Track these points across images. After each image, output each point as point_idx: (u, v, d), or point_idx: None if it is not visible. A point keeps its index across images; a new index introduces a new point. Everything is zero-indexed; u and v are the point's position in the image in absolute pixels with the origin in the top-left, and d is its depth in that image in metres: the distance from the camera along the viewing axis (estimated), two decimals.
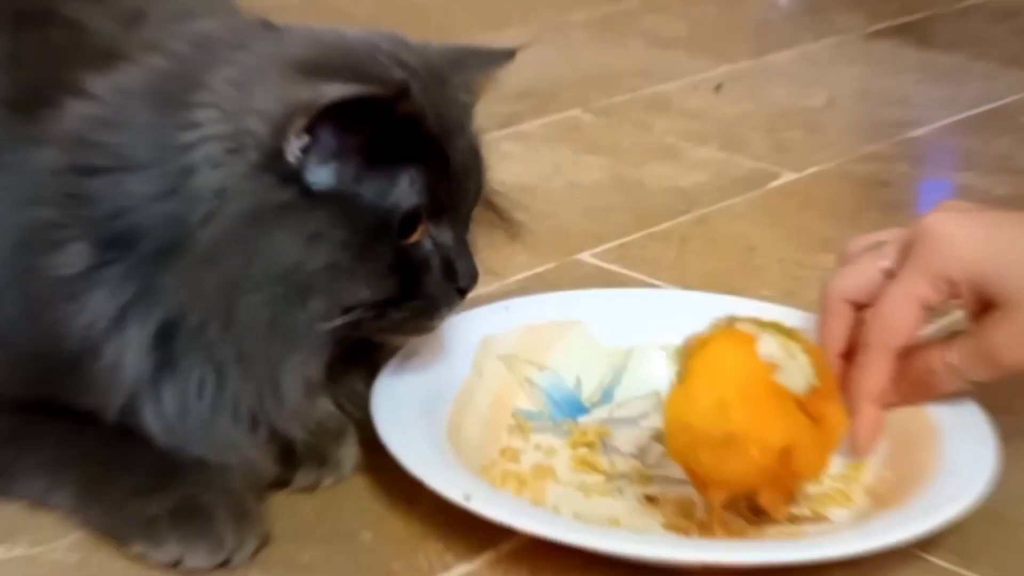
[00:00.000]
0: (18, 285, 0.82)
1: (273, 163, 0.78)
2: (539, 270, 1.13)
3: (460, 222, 0.86)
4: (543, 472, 0.87)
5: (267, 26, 0.86)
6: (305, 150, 0.78)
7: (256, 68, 0.80)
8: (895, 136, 1.45)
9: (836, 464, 0.88)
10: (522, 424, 0.91)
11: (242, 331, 0.78)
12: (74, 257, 0.79)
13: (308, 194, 0.78)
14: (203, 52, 0.83)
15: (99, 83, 0.84)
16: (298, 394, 0.82)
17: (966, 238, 0.87)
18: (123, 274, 0.79)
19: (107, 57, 0.94)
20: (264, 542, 0.80)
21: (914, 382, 0.89)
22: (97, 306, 0.79)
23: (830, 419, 0.83)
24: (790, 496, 0.84)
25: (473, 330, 0.94)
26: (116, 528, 0.80)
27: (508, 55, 0.89)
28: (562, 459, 0.89)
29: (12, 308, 0.82)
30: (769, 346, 0.81)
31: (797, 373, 0.81)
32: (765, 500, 0.82)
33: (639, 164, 1.35)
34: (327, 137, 0.78)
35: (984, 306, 0.87)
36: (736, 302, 0.97)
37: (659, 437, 0.89)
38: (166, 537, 0.78)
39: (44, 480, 0.82)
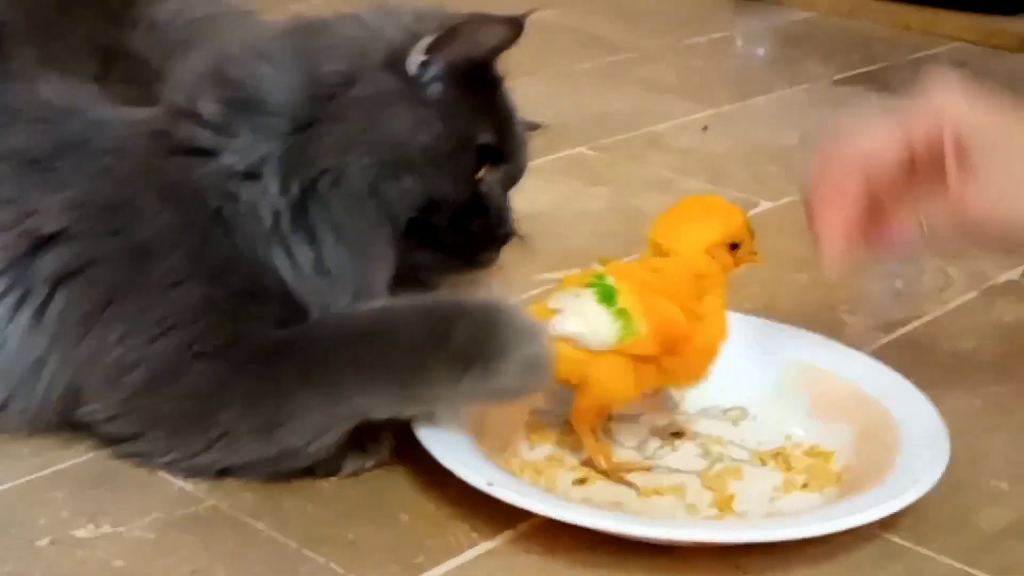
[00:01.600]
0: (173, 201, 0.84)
1: (396, 65, 0.84)
2: (551, 285, 1.13)
3: (509, 184, 0.90)
4: (555, 462, 0.88)
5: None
6: (423, 65, 0.84)
7: (396, 3, 0.88)
8: None
9: (806, 454, 0.89)
10: (537, 421, 0.92)
11: (346, 189, 0.83)
12: (208, 108, 0.84)
13: (417, 94, 0.84)
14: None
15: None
16: (383, 280, 0.85)
17: (959, 97, 0.82)
18: (252, 130, 0.83)
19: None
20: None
21: (879, 237, 0.84)
22: (232, 154, 0.84)
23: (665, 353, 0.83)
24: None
25: None
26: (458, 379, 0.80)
27: (518, 25, 0.87)
28: (571, 451, 0.89)
29: (164, 213, 0.84)
30: (556, 322, 0.83)
31: (594, 336, 0.82)
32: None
33: (637, 194, 1.36)
34: (439, 64, 0.84)
35: (964, 172, 0.80)
36: None
37: (656, 432, 0.90)
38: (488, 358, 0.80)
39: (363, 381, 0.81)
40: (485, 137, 0.86)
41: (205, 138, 0.85)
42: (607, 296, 0.83)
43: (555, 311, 0.84)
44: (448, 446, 0.82)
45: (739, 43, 2.04)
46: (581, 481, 0.86)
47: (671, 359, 0.84)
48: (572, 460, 0.88)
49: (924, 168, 0.83)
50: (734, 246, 0.88)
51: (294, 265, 0.84)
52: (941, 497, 0.83)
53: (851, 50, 1.90)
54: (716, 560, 0.79)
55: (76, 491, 0.83)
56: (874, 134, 0.82)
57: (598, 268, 0.86)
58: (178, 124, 0.86)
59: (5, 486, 0.84)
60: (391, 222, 0.85)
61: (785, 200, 1.36)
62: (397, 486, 0.85)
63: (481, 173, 0.87)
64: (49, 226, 0.84)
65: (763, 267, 1.19)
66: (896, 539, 0.82)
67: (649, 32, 1.97)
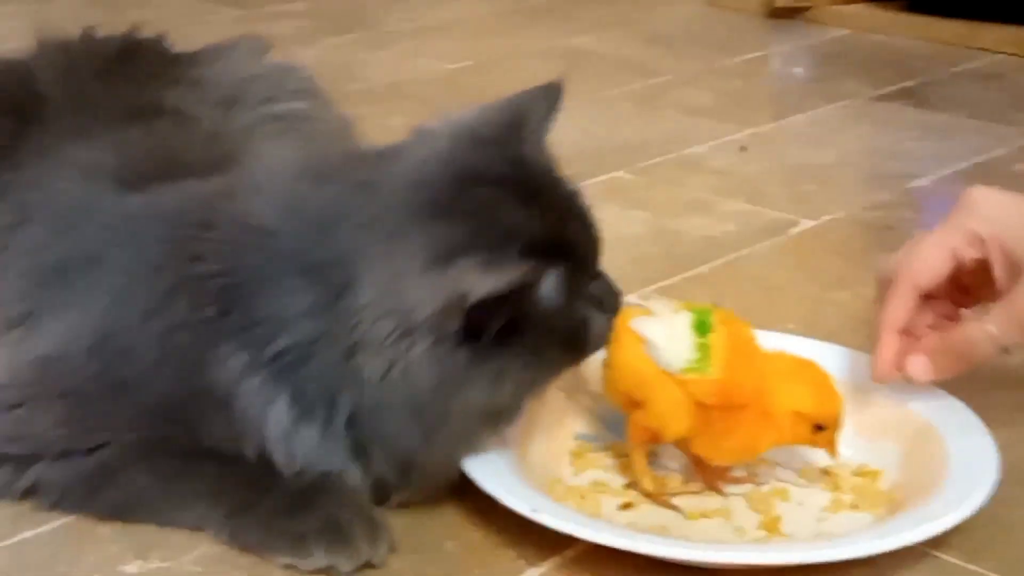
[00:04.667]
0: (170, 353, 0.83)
1: (440, 338, 0.77)
2: None
3: (593, 269, 0.84)
4: (600, 487, 0.87)
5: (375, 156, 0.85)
6: (463, 328, 0.77)
7: (400, 262, 0.77)
8: (898, 187, 1.44)
9: (855, 474, 0.88)
10: (582, 446, 0.91)
11: (437, 448, 0.81)
12: (235, 364, 0.81)
13: (475, 349, 0.78)
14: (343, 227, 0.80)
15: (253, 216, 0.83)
16: (460, 461, 0.83)
17: (1000, 204, 0.87)
18: (284, 375, 0.80)
19: (211, 139, 0.96)
20: (392, 547, 0.81)
21: (953, 354, 0.87)
22: (253, 390, 0.81)
23: (715, 409, 0.82)
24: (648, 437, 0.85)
25: None
26: (267, 543, 0.81)
27: (557, 91, 0.86)
28: (615, 476, 0.89)
29: (159, 364, 0.83)
30: (640, 323, 0.83)
31: (667, 352, 0.82)
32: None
33: (675, 217, 1.36)
34: (476, 320, 0.77)
35: (1015, 274, 0.85)
36: (762, 334, 0.96)
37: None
38: (312, 550, 0.79)
39: (200, 507, 0.83)
40: (560, 299, 0.79)
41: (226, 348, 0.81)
42: (701, 327, 0.83)
43: (647, 312, 0.84)
44: (493, 474, 0.82)
45: (775, 63, 2.03)
46: (627, 506, 0.86)
47: (716, 424, 0.83)
48: (617, 485, 0.88)
49: (975, 277, 0.89)
50: (819, 427, 0.85)
51: (304, 452, 0.82)
52: (991, 514, 0.81)
53: (888, 66, 1.89)
54: None
55: (123, 527, 0.84)
56: (923, 254, 0.88)
57: (708, 304, 0.86)
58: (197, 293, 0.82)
59: (53, 524, 0.84)
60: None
61: (825, 218, 1.35)
62: (443, 515, 0.85)
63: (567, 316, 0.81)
64: (45, 349, 0.86)
65: (805, 286, 1.20)
66: (947, 557, 0.81)
67: (684, 55, 1.97)
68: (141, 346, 0.83)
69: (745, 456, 0.87)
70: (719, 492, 0.87)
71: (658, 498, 0.85)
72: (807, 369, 0.85)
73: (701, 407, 0.82)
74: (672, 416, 0.83)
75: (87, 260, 0.88)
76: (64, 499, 0.85)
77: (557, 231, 0.81)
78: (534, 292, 0.78)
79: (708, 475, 0.88)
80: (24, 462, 0.85)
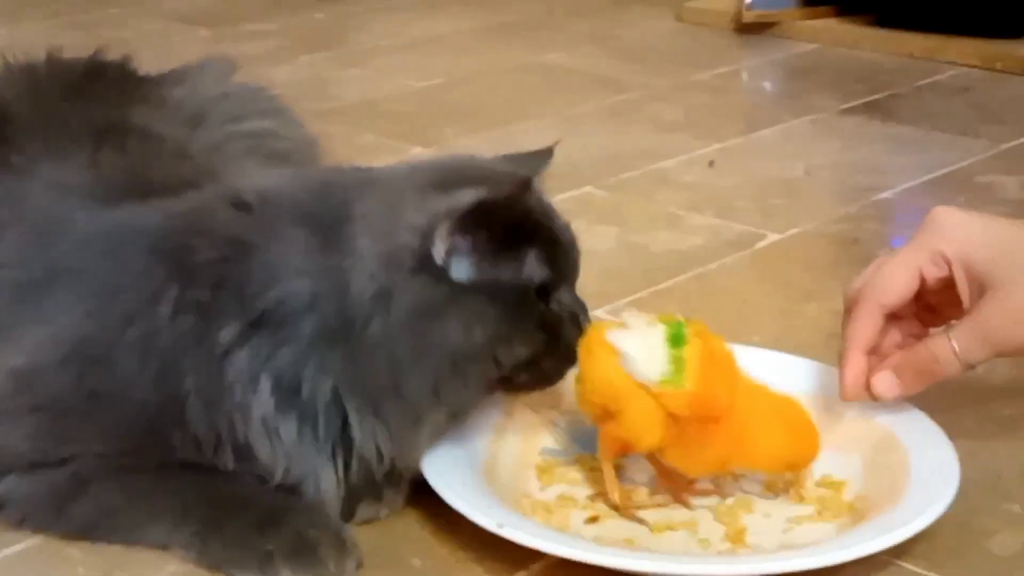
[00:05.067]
0: (152, 347, 0.83)
1: (425, 266, 0.81)
2: None
3: (572, 283, 0.88)
4: (566, 502, 0.88)
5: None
6: (449, 252, 0.81)
7: (397, 192, 0.84)
8: (865, 199, 1.45)
9: (818, 485, 0.89)
10: (548, 460, 0.92)
11: (405, 400, 0.81)
12: (226, 334, 0.82)
13: (458, 287, 0.81)
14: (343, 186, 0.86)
15: (248, 193, 0.86)
16: (430, 442, 0.85)
17: (963, 224, 0.88)
18: (270, 346, 0.81)
19: (178, 157, 0.96)
20: (360, 564, 0.81)
21: (918, 371, 0.88)
22: (240, 367, 0.82)
23: (689, 421, 0.82)
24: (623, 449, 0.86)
25: None
26: (234, 561, 0.81)
27: (549, 153, 0.92)
28: (582, 490, 0.89)
29: (138, 371, 0.83)
30: (616, 336, 0.84)
31: (643, 364, 0.83)
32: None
33: (644, 231, 1.36)
34: (464, 238, 0.81)
35: (979, 293, 0.86)
36: (731, 347, 0.97)
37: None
38: (280, 569, 0.80)
39: (168, 524, 0.83)
40: (540, 275, 0.84)
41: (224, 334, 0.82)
42: (676, 339, 0.84)
43: (622, 325, 0.85)
44: (459, 489, 0.83)
45: (744, 78, 2.04)
46: (593, 519, 0.86)
47: (690, 436, 0.83)
48: (583, 499, 0.88)
49: (941, 296, 0.90)
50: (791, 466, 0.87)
51: (285, 443, 0.83)
52: (954, 522, 0.82)
53: (856, 80, 1.91)
54: None
55: (92, 548, 0.84)
56: (888, 274, 0.89)
57: (681, 318, 0.86)
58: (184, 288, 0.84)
59: (20, 546, 0.84)
60: (456, 405, 0.85)
61: (792, 231, 1.36)
62: (409, 531, 0.85)
63: (544, 307, 0.85)
64: (17, 362, 0.86)
65: (773, 299, 1.21)
66: (910, 566, 0.82)
67: (655, 71, 1.98)
68: (119, 353, 0.83)
69: (717, 468, 0.87)
70: (686, 505, 0.87)
71: (625, 511, 0.86)
72: (788, 409, 0.86)
73: (675, 419, 0.83)
74: (645, 428, 0.83)
75: (63, 274, 0.88)
76: (32, 515, 0.85)
77: (548, 226, 0.85)
78: (524, 202, 0.81)
79: (675, 488, 0.88)
80: None
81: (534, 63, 2.02)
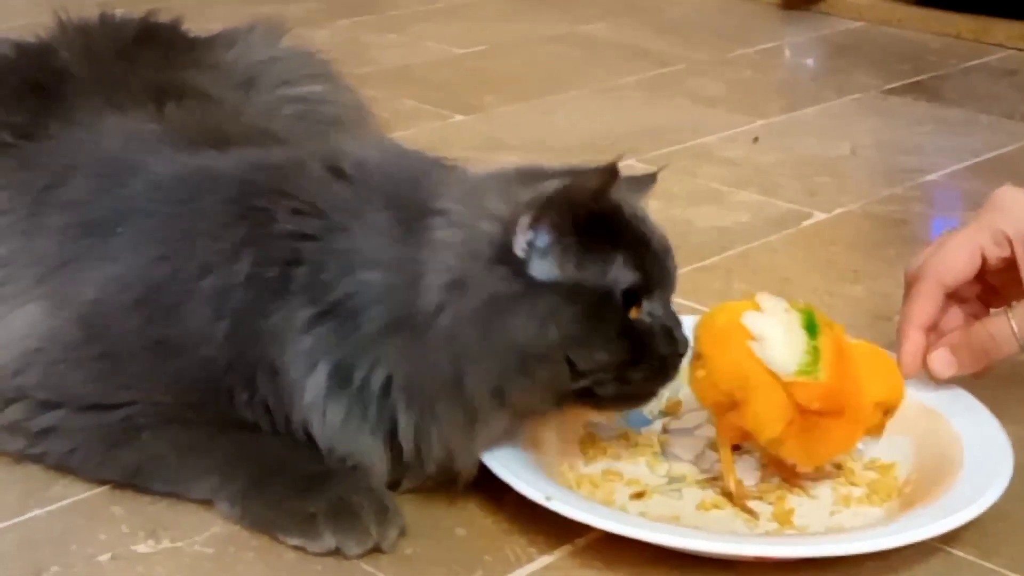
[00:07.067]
0: (227, 307, 0.82)
1: (504, 257, 0.78)
2: None
3: (667, 296, 0.84)
4: (612, 476, 0.87)
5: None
6: (530, 244, 0.78)
7: (481, 187, 0.82)
8: (910, 181, 1.44)
9: (869, 467, 0.88)
10: (593, 435, 0.91)
11: (463, 398, 0.79)
12: (294, 319, 0.81)
13: (536, 283, 0.79)
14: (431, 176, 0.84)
15: (347, 160, 0.85)
16: (483, 448, 0.82)
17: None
18: (335, 335, 0.80)
19: (237, 118, 0.96)
20: (402, 532, 0.81)
21: (975, 349, 0.88)
22: (302, 350, 0.81)
23: (815, 414, 0.80)
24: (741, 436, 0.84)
25: None
26: (276, 522, 0.81)
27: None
28: (629, 465, 0.89)
29: (211, 324, 0.82)
30: (755, 320, 0.81)
31: (781, 352, 0.80)
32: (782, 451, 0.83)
33: (687, 207, 1.35)
34: (548, 230, 0.78)
35: None
36: None
37: (713, 445, 0.89)
38: (322, 532, 0.79)
39: (214, 480, 0.83)
40: (627, 280, 0.80)
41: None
42: (811, 327, 0.81)
43: (759, 309, 0.82)
44: (505, 461, 0.82)
45: (787, 54, 2.03)
46: (638, 495, 0.85)
47: (814, 428, 0.81)
48: (628, 474, 0.88)
49: (1004, 277, 0.90)
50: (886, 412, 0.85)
51: (331, 425, 0.82)
52: (1005, 509, 0.81)
53: (901, 59, 1.89)
54: (775, 574, 0.78)
55: (135, 507, 0.84)
56: (949, 252, 0.89)
57: (802, 302, 0.84)
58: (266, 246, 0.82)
59: (65, 502, 0.84)
60: (522, 410, 0.81)
61: (838, 211, 1.35)
62: (455, 501, 0.85)
63: (636, 312, 0.81)
64: (87, 297, 0.85)
65: (817, 279, 1.20)
66: (960, 553, 0.81)
67: (696, 44, 1.96)
68: (192, 304, 0.82)
69: (833, 458, 0.85)
70: (802, 489, 0.85)
71: (739, 500, 0.84)
72: (878, 358, 0.85)
73: (801, 411, 0.80)
74: (770, 420, 0.80)
75: (134, 214, 0.86)
76: (75, 453, 0.84)
77: (640, 229, 0.82)
78: (612, 197, 0.79)
79: (786, 472, 0.86)
80: (47, 405, 0.84)
81: (574, 33, 2.01)
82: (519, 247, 0.79)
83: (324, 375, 0.81)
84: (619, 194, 0.81)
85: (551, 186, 0.79)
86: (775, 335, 0.80)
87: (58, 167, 0.91)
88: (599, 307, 0.79)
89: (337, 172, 0.84)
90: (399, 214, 0.81)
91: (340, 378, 0.81)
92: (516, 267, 0.79)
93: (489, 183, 0.82)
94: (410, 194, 0.82)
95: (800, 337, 0.81)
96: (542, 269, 0.79)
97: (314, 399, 0.81)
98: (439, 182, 0.83)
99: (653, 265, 0.81)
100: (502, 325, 0.78)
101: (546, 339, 0.78)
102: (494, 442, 0.82)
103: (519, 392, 0.79)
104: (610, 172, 0.78)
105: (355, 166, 0.85)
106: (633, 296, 0.80)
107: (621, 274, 0.80)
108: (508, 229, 0.79)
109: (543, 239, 0.79)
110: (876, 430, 0.85)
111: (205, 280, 0.82)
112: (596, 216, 0.79)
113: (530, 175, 0.82)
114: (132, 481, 0.84)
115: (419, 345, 0.79)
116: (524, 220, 0.78)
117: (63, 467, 0.86)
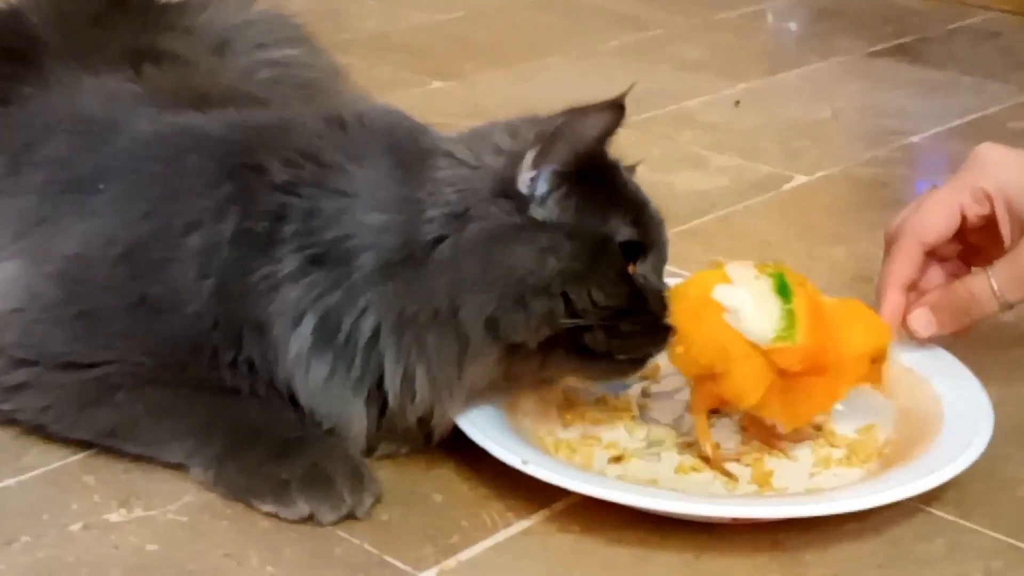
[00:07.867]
0: (212, 267, 0.81)
1: (507, 191, 0.79)
2: None
3: (660, 266, 0.84)
4: (590, 440, 0.87)
5: None
6: (534, 180, 0.79)
7: (487, 126, 0.83)
8: (893, 143, 1.43)
9: (849, 428, 0.87)
10: (571, 399, 0.91)
11: (457, 329, 0.78)
12: (283, 267, 0.80)
13: (537, 221, 0.79)
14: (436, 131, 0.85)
15: (347, 112, 0.85)
16: (468, 393, 0.81)
17: (1007, 161, 0.88)
18: (325, 282, 0.79)
19: (216, 81, 0.95)
20: (378, 499, 0.80)
21: (955, 308, 0.87)
22: (289, 302, 0.80)
23: (795, 374, 0.80)
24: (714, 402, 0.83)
25: None
26: (250, 488, 0.80)
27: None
28: (607, 429, 0.88)
29: (196, 281, 0.81)
30: (726, 292, 0.81)
31: (757, 321, 0.80)
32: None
33: (668, 171, 1.34)
34: (550, 173, 0.79)
35: (1020, 231, 0.86)
36: None
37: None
38: (295, 498, 0.78)
39: (191, 442, 0.82)
40: (625, 234, 0.80)
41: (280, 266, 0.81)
42: (783, 291, 0.81)
43: (728, 279, 0.81)
44: (482, 426, 0.82)
45: (770, 18, 2.01)
46: (616, 459, 0.85)
47: (793, 389, 0.80)
48: (607, 438, 0.87)
49: (984, 236, 0.89)
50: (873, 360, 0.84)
51: (314, 382, 0.81)
52: (984, 470, 0.81)
53: (883, 22, 1.88)
54: (755, 536, 0.78)
55: (107, 476, 0.83)
56: (928, 210, 0.88)
57: (771, 263, 0.83)
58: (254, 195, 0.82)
59: (36, 472, 0.83)
60: (506, 344, 0.80)
61: (819, 175, 1.34)
62: (431, 467, 0.84)
63: (632, 269, 0.81)
64: (66, 251, 0.83)
65: (798, 242, 1.19)
66: (939, 512, 0.81)
67: (678, 9, 1.95)
68: (177, 261, 0.81)
69: (815, 416, 0.85)
70: (782, 451, 0.85)
71: (716, 464, 0.84)
72: (855, 308, 0.84)
73: (782, 374, 0.80)
74: (750, 387, 0.80)
75: (116, 171, 0.85)
76: (49, 411, 0.83)
77: (637, 193, 0.83)
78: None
79: (765, 435, 0.86)
80: (23, 362, 0.83)
81: None
82: (523, 184, 0.79)
83: (310, 328, 0.80)
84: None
85: (558, 120, 0.79)
86: (748, 305, 0.80)
87: (37, 126, 0.91)
88: (599, 251, 0.79)
89: (336, 121, 0.84)
90: (401, 157, 0.81)
91: (326, 331, 0.80)
92: (519, 202, 0.79)
93: (497, 125, 0.83)
94: (413, 140, 0.82)
95: (773, 303, 0.80)
96: (542, 212, 0.79)
97: (298, 354, 0.80)
98: (440, 135, 0.84)
99: (649, 229, 0.82)
100: (502, 255, 0.78)
101: (545, 271, 0.78)
102: (477, 388, 0.82)
103: (513, 325, 0.78)
104: (617, 106, 0.79)
105: (355, 117, 0.85)
106: (632, 250, 0.81)
107: (620, 227, 0.80)
108: (513, 163, 0.79)
109: (543, 184, 0.79)
110: (872, 379, 0.84)
111: (190, 237, 0.81)
112: (600, 166, 0.79)
113: (539, 120, 0.82)
114: (106, 442, 0.83)
115: (415, 278, 0.78)
116: (530, 155, 0.79)
117: (36, 424, 0.84)
